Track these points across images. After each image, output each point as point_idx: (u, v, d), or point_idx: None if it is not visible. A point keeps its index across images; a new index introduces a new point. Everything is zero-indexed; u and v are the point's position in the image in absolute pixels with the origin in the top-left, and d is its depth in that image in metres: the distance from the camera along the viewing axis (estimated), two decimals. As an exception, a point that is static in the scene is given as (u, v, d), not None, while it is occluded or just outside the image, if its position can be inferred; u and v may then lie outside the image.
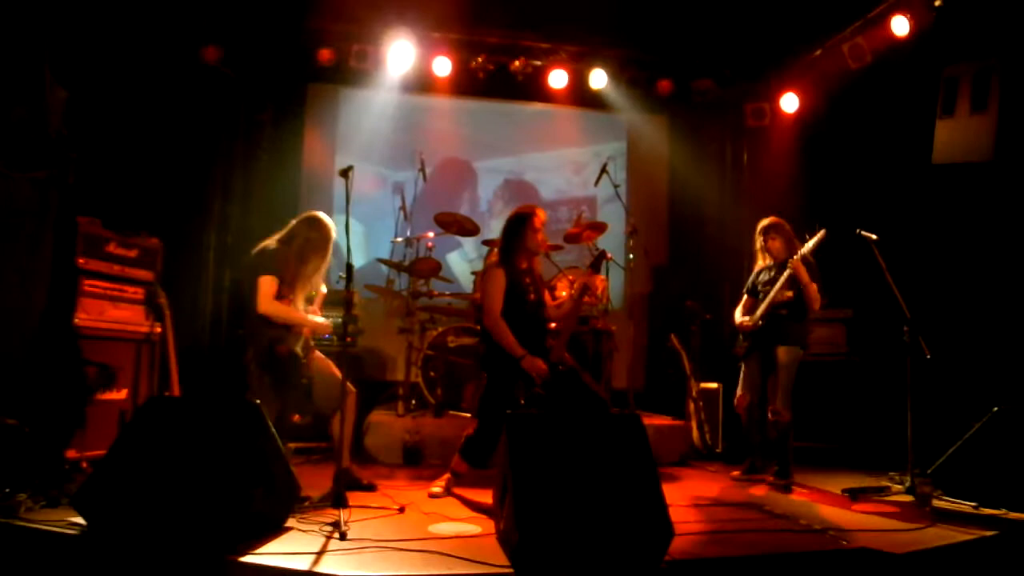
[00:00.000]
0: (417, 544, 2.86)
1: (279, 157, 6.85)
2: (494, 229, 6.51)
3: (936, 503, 3.88)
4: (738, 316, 4.77)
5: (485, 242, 6.15)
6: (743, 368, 4.71)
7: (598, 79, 6.82)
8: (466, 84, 6.95)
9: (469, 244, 7.14)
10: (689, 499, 4.03)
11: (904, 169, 5.76)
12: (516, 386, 3.86)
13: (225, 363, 5.75)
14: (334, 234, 3.89)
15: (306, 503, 3.38)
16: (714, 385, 5.79)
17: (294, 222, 3.90)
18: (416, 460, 4.95)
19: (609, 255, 4.89)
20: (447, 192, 7.32)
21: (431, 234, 5.91)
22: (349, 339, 3.97)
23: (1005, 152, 5.17)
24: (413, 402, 5.55)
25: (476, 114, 7.42)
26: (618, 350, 6.07)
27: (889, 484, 4.36)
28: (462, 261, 7.26)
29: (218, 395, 4.51)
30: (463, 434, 3.96)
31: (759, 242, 4.77)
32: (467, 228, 5.94)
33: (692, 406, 5.72)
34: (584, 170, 7.53)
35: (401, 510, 3.49)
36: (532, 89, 7.06)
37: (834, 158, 6.38)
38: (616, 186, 6.06)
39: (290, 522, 3.10)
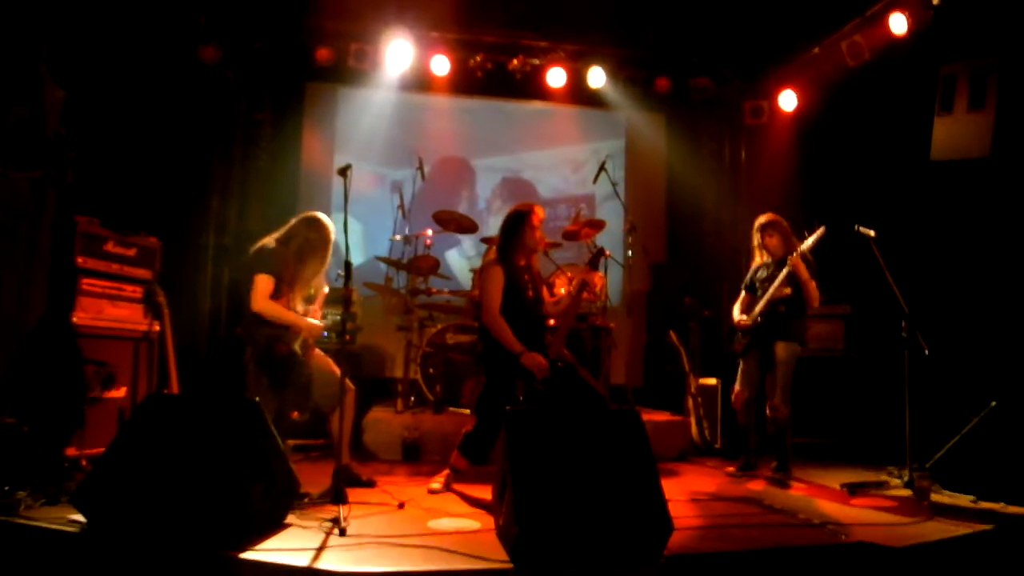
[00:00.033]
0: (417, 540, 2.87)
1: (278, 156, 6.86)
2: (492, 227, 6.51)
3: (934, 497, 3.88)
4: (736, 313, 4.78)
5: (483, 240, 6.15)
6: (741, 364, 4.72)
7: (596, 77, 6.82)
8: (464, 83, 6.96)
9: (468, 242, 7.15)
10: (688, 494, 4.04)
11: (902, 166, 5.78)
12: (515, 383, 3.86)
13: (223, 361, 5.76)
14: (333, 236, 3.87)
15: (305, 500, 3.39)
16: (713, 381, 5.80)
17: (293, 221, 3.88)
18: (415, 456, 4.96)
19: (608, 252, 4.89)
20: (445, 190, 7.33)
21: (430, 232, 5.92)
22: (348, 337, 3.98)
23: (1002, 149, 5.19)
24: (412, 399, 5.56)
25: (474, 113, 7.42)
26: (616, 347, 6.09)
27: (887, 479, 4.38)
28: (461, 259, 7.26)
29: (217, 393, 4.51)
30: (462, 430, 3.97)
31: (756, 239, 4.78)
32: (465, 226, 5.95)
33: (691, 402, 5.73)
34: (582, 168, 7.53)
35: (401, 506, 3.50)
36: (530, 87, 7.06)
37: (832, 156, 6.39)
38: (614, 184, 6.07)
39: (290, 518, 3.10)
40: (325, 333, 5.07)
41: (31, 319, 4.18)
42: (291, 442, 4.71)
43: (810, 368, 5.16)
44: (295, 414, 3.88)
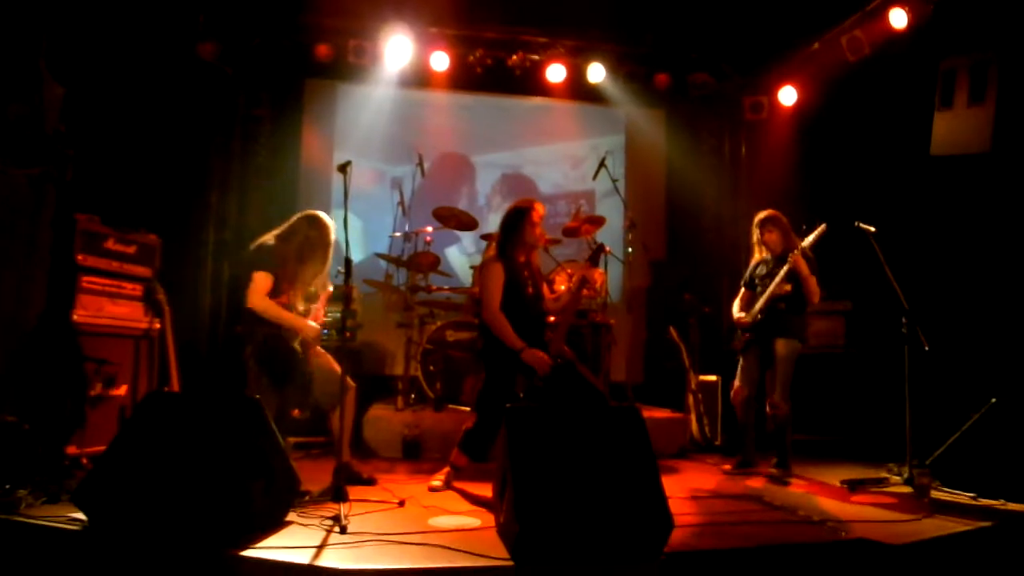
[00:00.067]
0: (417, 537, 2.87)
1: (277, 152, 6.85)
2: (492, 223, 6.51)
3: (934, 494, 3.89)
4: (736, 311, 4.78)
5: (483, 236, 6.15)
6: (741, 361, 4.72)
7: (596, 73, 6.81)
8: (464, 79, 6.94)
9: (467, 238, 7.14)
10: (688, 491, 4.04)
11: (902, 161, 5.78)
12: (515, 379, 3.86)
13: (224, 359, 5.76)
14: (334, 235, 3.86)
15: (306, 497, 3.39)
16: (713, 378, 5.80)
17: (294, 219, 3.87)
18: (416, 454, 4.96)
19: (607, 249, 4.89)
20: (445, 187, 7.32)
21: (429, 229, 5.91)
22: (348, 334, 3.99)
23: (1002, 144, 5.19)
24: (412, 396, 5.56)
25: (474, 109, 7.40)
26: (617, 343, 6.09)
27: (887, 475, 4.37)
28: (460, 255, 7.26)
29: (218, 390, 4.51)
30: (462, 428, 3.97)
31: (756, 235, 4.77)
32: (465, 222, 5.94)
33: (691, 399, 5.73)
34: (582, 164, 7.52)
35: (401, 504, 3.50)
36: (530, 83, 7.05)
37: (832, 151, 6.39)
38: (614, 180, 6.07)
39: (290, 516, 3.10)
40: (325, 332, 5.07)
41: (31, 317, 4.18)
42: (292, 440, 4.71)
43: (810, 365, 5.16)
44: (296, 412, 3.89)
